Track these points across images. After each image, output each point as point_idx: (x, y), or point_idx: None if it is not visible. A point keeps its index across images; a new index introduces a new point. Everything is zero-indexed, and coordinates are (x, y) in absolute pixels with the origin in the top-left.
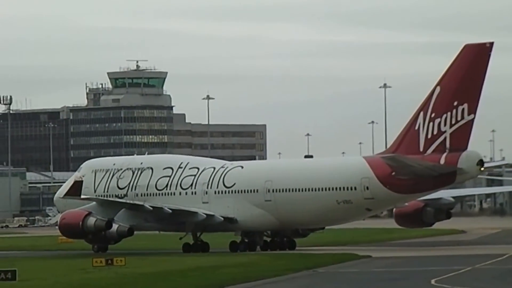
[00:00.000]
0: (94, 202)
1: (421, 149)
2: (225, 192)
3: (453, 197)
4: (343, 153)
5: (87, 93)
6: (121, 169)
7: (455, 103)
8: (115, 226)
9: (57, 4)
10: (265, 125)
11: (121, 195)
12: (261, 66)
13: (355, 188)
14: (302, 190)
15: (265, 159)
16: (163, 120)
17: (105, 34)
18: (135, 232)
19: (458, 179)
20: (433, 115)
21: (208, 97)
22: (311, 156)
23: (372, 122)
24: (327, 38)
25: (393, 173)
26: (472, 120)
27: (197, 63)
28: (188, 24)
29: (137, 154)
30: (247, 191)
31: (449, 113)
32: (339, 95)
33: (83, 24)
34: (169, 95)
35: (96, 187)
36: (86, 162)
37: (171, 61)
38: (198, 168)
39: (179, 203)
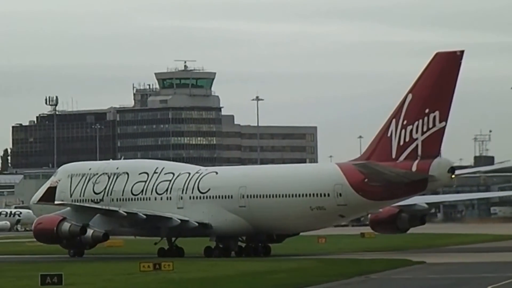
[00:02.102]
0: (68, 208)
1: (394, 156)
2: (200, 198)
3: (427, 203)
4: None
5: (134, 94)
6: (97, 173)
7: (427, 111)
8: (90, 231)
9: (103, 3)
10: (315, 127)
11: (97, 200)
12: (312, 66)
13: (328, 195)
14: (276, 196)
15: (316, 162)
16: (211, 122)
17: (153, 33)
18: (111, 237)
19: (429, 186)
20: (405, 122)
21: (257, 98)
22: None
23: None
24: (378, 39)
25: (366, 180)
26: (444, 127)
27: (246, 63)
28: (238, 23)
29: (185, 156)
30: (222, 197)
31: (420, 121)
32: (392, 97)
33: (131, 24)
34: (217, 96)
35: (72, 191)
36: (62, 166)
37: (220, 61)
38: (173, 174)
39: (155, 208)
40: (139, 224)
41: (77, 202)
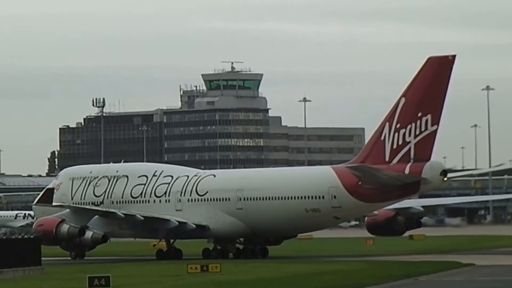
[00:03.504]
0: (68, 210)
1: (387, 159)
2: (198, 200)
3: (423, 207)
4: (444, 157)
5: (181, 96)
6: (98, 177)
7: (419, 114)
8: (89, 233)
9: (150, 4)
10: (363, 129)
11: (97, 202)
12: (359, 68)
13: (323, 197)
14: (272, 199)
15: None
16: (258, 123)
17: (200, 35)
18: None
19: (422, 188)
20: (398, 125)
21: (304, 100)
22: None
23: (475, 125)
24: (426, 39)
25: (360, 183)
26: (436, 130)
27: (293, 65)
28: (285, 24)
29: (233, 158)
30: (219, 199)
31: (413, 124)
32: None
33: (178, 25)
34: (264, 98)
35: (73, 194)
36: (64, 170)
37: (267, 62)
38: (172, 176)
39: (154, 210)
40: (137, 226)
41: (78, 204)
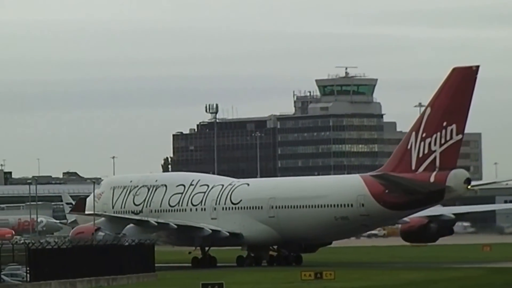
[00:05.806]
0: (103, 218)
1: (413, 168)
2: (232, 209)
3: (454, 214)
4: None
5: (294, 101)
6: (138, 186)
7: (444, 124)
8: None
9: (265, 11)
10: (480, 134)
11: (136, 211)
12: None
13: (352, 205)
14: (303, 207)
15: (481, 169)
16: (373, 129)
17: (313, 40)
18: None
19: (446, 196)
20: (424, 135)
21: (420, 105)
22: None
23: None
24: None
25: (387, 191)
26: (460, 140)
27: (408, 69)
28: (399, 29)
29: (347, 164)
30: (252, 208)
31: (438, 133)
32: None
33: (291, 31)
34: (379, 103)
35: (114, 203)
36: (106, 179)
37: (381, 68)
38: (208, 186)
39: (190, 219)
40: (173, 234)
41: (119, 213)
